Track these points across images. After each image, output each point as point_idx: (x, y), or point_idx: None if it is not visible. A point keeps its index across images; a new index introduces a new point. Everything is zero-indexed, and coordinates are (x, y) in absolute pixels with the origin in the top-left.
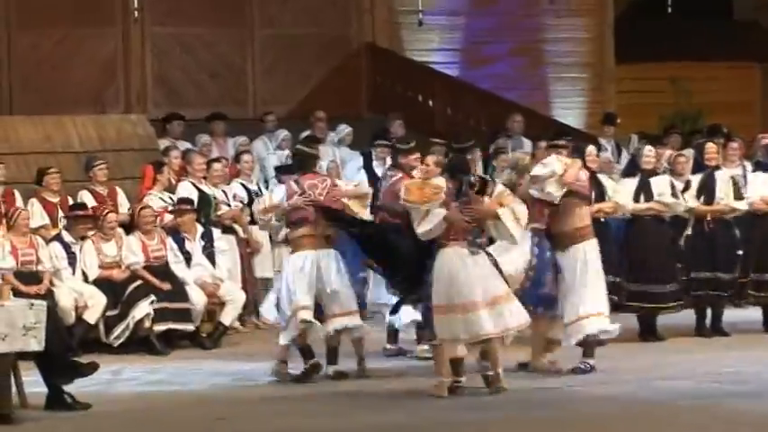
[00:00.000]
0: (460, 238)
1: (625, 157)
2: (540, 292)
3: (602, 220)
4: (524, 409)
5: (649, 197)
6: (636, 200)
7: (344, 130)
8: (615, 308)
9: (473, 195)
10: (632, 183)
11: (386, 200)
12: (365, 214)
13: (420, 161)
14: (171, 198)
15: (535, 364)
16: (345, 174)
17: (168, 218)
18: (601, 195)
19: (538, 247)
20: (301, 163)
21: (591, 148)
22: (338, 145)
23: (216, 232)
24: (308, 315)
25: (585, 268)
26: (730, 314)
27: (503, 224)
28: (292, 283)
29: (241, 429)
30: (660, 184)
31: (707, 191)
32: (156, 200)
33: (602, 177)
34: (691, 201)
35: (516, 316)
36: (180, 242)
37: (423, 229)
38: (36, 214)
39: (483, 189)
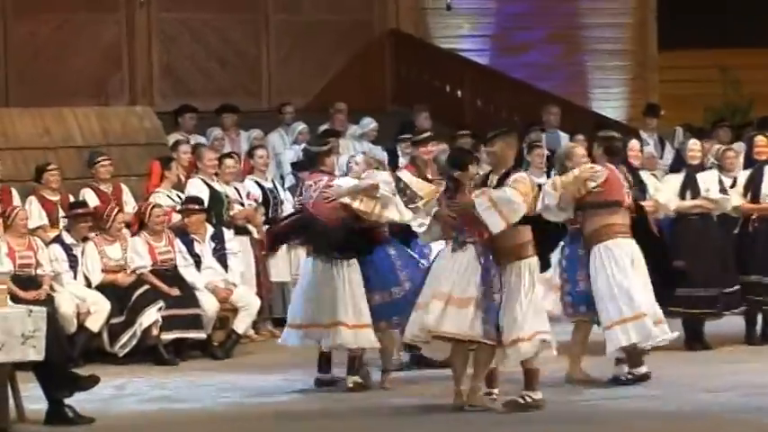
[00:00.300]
0: (447, 235)
1: (669, 152)
2: (576, 290)
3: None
4: (562, 423)
5: (696, 194)
6: (682, 197)
7: (369, 124)
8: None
9: (459, 188)
10: (677, 179)
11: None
12: (384, 211)
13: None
14: (179, 196)
15: (572, 374)
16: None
17: (176, 218)
18: (642, 193)
19: (569, 246)
20: (308, 161)
21: (634, 143)
22: (360, 139)
23: (227, 233)
24: None
25: (618, 268)
26: None
27: (479, 213)
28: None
29: None
30: (707, 180)
31: (754, 187)
32: (163, 198)
33: (644, 174)
34: (735, 198)
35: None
36: (189, 244)
37: (422, 237)
38: (34, 214)
39: (458, 183)
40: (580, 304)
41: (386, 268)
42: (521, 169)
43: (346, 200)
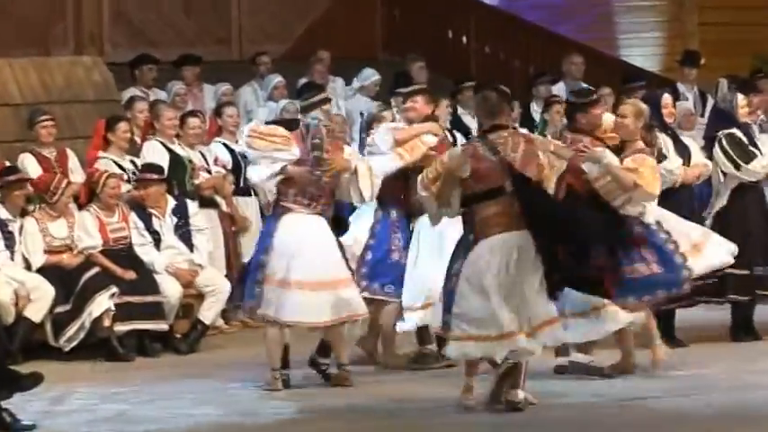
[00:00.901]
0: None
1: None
2: None
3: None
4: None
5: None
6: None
7: (372, 76)
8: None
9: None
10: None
11: None
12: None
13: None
14: (134, 162)
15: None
16: (357, 131)
17: (126, 188)
18: (687, 158)
19: None
20: (287, 123)
21: (666, 98)
22: (354, 94)
23: (192, 206)
24: None
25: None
26: None
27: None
28: None
29: None
30: (765, 141)
31: None
32: (108, 165)
33: (684, 136)
34: None
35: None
36: (146, 219)
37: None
38: None
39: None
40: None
41: None
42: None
43: None
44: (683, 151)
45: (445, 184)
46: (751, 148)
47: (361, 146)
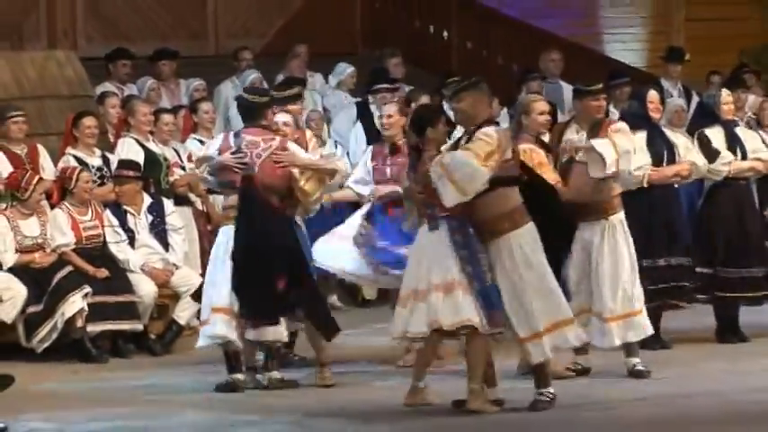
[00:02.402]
0: (421, 213)
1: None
2: None
3: (675, 186)
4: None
5: (744, 155)
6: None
7: (346, 69)
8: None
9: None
10: (718, 135)
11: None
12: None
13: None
14: (106, 159)
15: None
16: (335, 128)
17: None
18: (671, 155)
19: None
20: (245, 113)
21: (652, 93)
22: (333, 89)
23: (168, 204)
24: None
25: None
26: None
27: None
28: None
29: None
30: (749, 139)
31: None
32: (69, 162)
33: (669, 131)
34: None
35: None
36: (121, 217)
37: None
38: None
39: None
40: None
41: None
42: (492, 124)
43: (296, 173)
44: (666, 149)
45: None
46: (715, 146)
47: None
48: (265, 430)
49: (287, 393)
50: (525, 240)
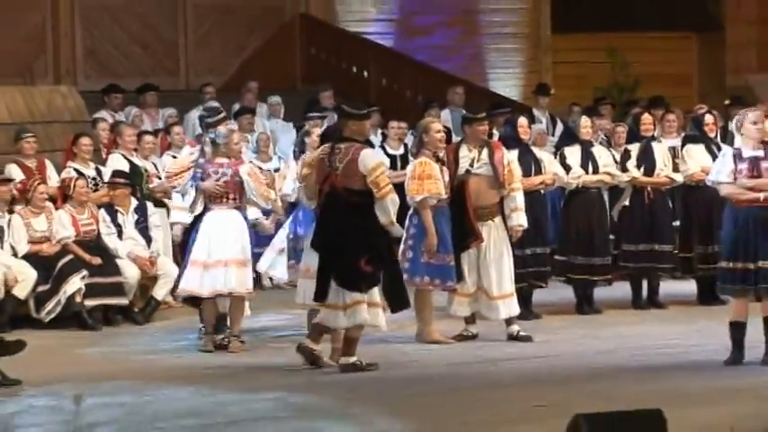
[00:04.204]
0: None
1: (560, 129)
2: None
3: (542, 192)
4: (453, 384)
5: (596, 168)
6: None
7: (273, 100)
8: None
9: None
10: (576, 154)
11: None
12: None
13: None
14: (99, 171)
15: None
16: (280, 147)
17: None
18: (537, 168)
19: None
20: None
21: (521, 120)
22: (270, 117)
23: (150, 207)
24: None
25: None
26: (665, 286)
27: None
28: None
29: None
30: (603, 156)
31: (646, 162)
32: (70, 174)
33: (536, 150)
34: (633, 171)
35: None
36: (113, 215)
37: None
38: None
39: None
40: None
41: None
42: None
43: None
44: (533, 163)
45: None
46: (569, 162)
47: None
48: (251, 407)
49: (275, 371)
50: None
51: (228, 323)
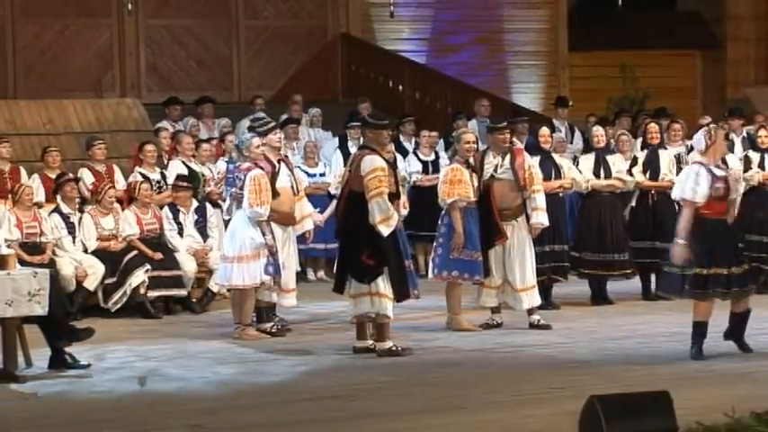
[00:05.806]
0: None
1: (578, 138)
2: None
3: (560, 195)
4: (475, 368)
5: (608, 174)
6: (596, 176)
7: (313, 111)
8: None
9: None
10: (590, 160)
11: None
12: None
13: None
14: (163, 175)
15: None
16: (324, 153)
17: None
18: (557, 173)
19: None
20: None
21: (543, 129)
22: (313, 127)
23: (210, 208)
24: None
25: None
26: None
27: None
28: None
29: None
30: (616, 162)
31: (651, 167)
32: (136, 178)
33: (556, 156)
34: (638, 175)
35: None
36: (175, 214)
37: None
38: (36, 190)
39: None
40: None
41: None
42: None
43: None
44: (553, 169)
45: None
46: (581, 168)
47: None
48: (314, 385)
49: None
50: None
51: (274, 312)
